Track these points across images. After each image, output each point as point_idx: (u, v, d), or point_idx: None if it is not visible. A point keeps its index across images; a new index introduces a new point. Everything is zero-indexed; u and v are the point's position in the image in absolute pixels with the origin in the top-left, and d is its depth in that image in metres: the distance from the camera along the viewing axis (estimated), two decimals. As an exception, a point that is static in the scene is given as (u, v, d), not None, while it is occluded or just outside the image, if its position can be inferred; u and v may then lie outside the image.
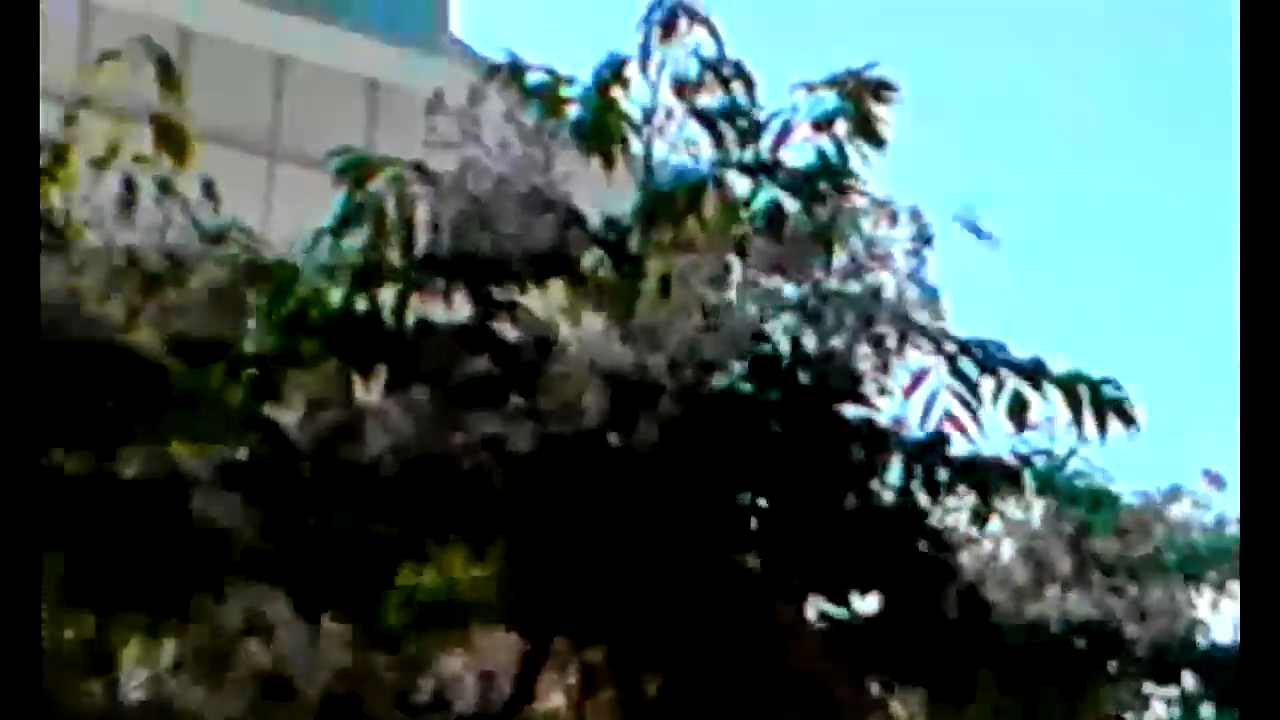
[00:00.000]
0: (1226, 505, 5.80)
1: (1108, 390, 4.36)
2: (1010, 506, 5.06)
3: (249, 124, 17.37)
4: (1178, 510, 5.87)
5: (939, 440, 4.39)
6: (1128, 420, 4.39)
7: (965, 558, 4.95)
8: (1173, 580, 5.63)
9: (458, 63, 13.24)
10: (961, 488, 4.51)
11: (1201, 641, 5.85)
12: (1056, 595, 5.26)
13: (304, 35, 19.30)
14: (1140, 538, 5.62)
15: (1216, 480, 5.77)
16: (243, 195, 4.78)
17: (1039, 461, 4.93)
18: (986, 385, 4.43)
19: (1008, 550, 5.31)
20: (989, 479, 4.45)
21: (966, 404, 4.33)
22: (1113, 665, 5.56)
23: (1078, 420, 4.35)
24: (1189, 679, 5.76)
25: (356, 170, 4.49)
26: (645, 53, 4.51)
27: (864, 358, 4.43)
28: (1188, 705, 5.84)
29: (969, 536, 4.92)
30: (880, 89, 4.57)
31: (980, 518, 4.69)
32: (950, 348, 4.46)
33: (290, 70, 19.12)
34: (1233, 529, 5.66)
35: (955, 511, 4.67)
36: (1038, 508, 5.32)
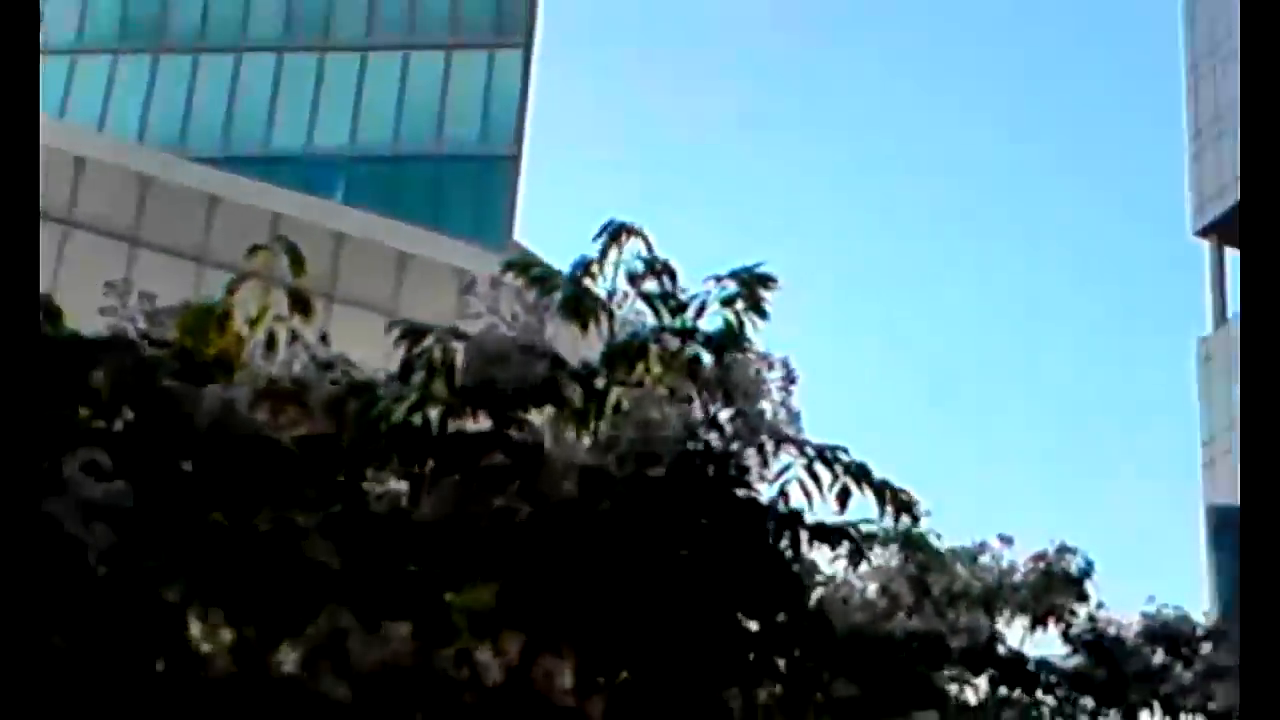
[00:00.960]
0: (1014, 557, 8.56)
1: (900, 491, 6.65)
2: (875, 555, 7.46)
3: (372, 297, 25.43)
4: (983, 559, 8.58)
5: (797, 512, 6.64)
6: (909, 510, 6.71)
7: (841, 592, 7.26)
8: (976, 607, 8.19)
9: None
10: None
11: (1001, 648, 8.24)
12: (902, 617, 7.68)
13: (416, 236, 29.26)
14: (955, 577, 8.17)
15: (1008, 540, 8.54)
16: (357, 344, 7.11)
17: (891, 526, 7.34)
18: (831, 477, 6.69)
19: (871, 587, 7.80)
20: (832, 538, 6.68)
21: (810, 489, 6.59)
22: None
23: (880, 506, 6.62)
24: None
25: (413, 333, 6.85)
26: (603, 254, 6.91)
27: (750, 457, 6.71)
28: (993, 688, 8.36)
29: (844, 579, 7.21)
30: (766, 280, 6.95)
31: (855, 559, 7.00)
32: (809, 451, 6.72)
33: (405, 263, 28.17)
34: (1017, 576, 8.39)
35: (838, 559, 6.98)
36: (894, 557, 7.86)
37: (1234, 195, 43.77)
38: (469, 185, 39.85)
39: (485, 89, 41.85)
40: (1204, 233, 51.78)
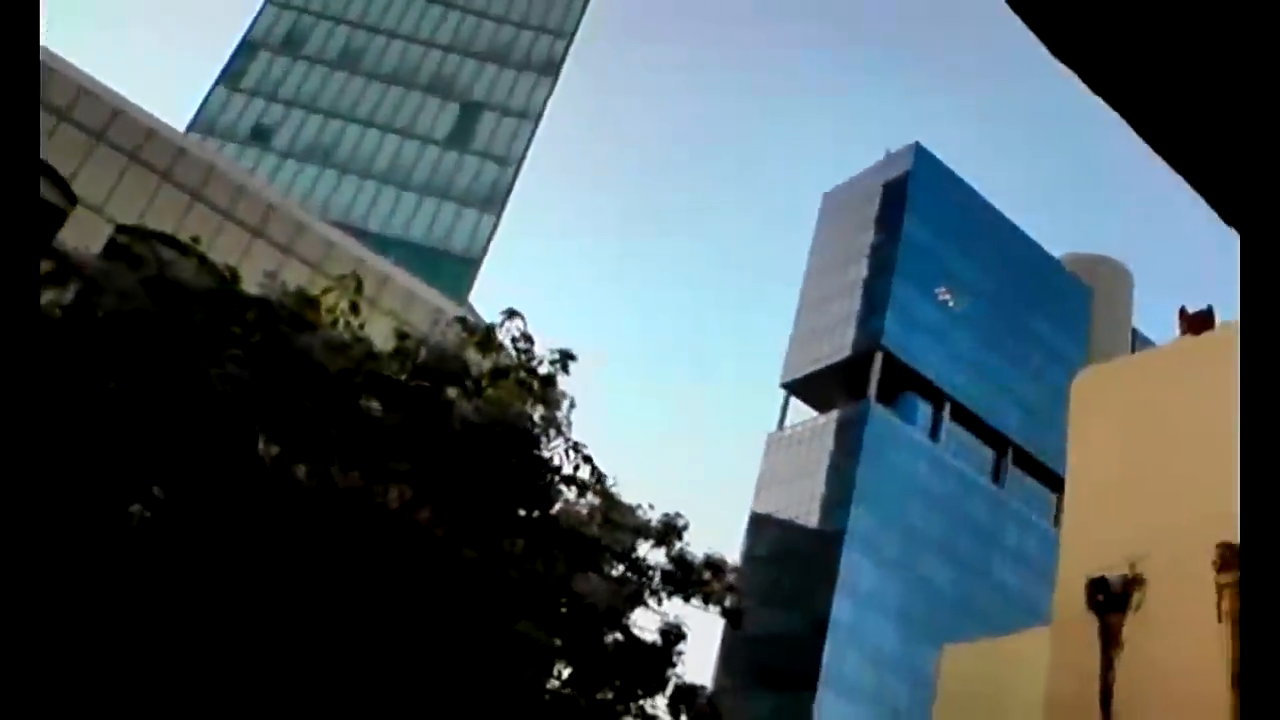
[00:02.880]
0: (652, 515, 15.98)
1: (600, 471, 14.34)
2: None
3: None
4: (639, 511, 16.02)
5: (557, 467, 14.28)
6: (601, 476, 14.41)
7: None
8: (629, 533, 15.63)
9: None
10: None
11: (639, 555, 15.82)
12: (596, 529, 15.08)
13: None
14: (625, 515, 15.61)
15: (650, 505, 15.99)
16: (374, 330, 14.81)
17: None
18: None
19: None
20: (570, 481, 14.29)
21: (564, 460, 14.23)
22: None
23: (592, 472, 14.23)
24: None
25: (403, 336, 14.50)
26: (501, 324, 14.64)
27: (547, 438, 14.34)
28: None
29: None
30: (570, 356, 14.64)
31: (582, 491, 14.63)
32: (568, 440, 14.34)
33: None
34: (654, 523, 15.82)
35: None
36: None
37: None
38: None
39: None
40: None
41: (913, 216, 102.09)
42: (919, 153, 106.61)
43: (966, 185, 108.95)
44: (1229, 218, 2.55)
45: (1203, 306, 14.81)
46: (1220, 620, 10.07)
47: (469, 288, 65.55)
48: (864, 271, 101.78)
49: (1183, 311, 14.90)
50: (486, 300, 65.55)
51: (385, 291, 40.92)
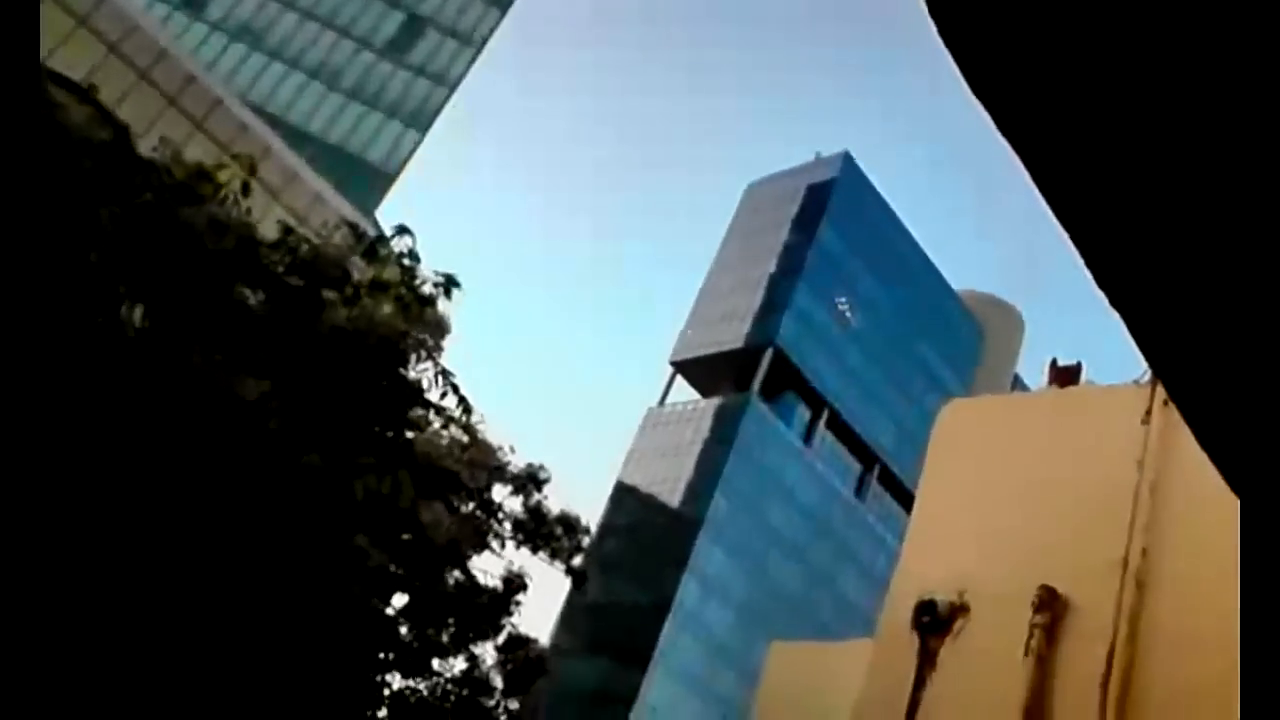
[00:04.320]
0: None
1: (465, 401, 14.17)
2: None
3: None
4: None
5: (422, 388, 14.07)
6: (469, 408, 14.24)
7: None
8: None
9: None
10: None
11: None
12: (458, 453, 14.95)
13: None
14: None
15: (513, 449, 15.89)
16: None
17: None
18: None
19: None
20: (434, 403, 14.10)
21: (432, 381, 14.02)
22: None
23: (459, 400, 14.06)
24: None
25: (288, 230, 14.09)
26: (393, 236, 14.32)
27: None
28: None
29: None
30: (454, 281, 14.37)
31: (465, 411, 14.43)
32: (440, 363, 14.12)
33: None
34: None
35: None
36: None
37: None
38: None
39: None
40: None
41: (829, 224, 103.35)
42: (847, 161, 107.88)
43: (886, 203, 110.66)
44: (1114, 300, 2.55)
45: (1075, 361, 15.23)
46: (1026, 655, 10.52)
47: (378, 202, 64.36)
48: (771, 268, 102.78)
49: (1053, 363, 15.33)
50: (394, 218, 65.76)
51: (291, 187, 39.78)
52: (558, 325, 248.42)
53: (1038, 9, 2.07)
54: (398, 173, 69.72)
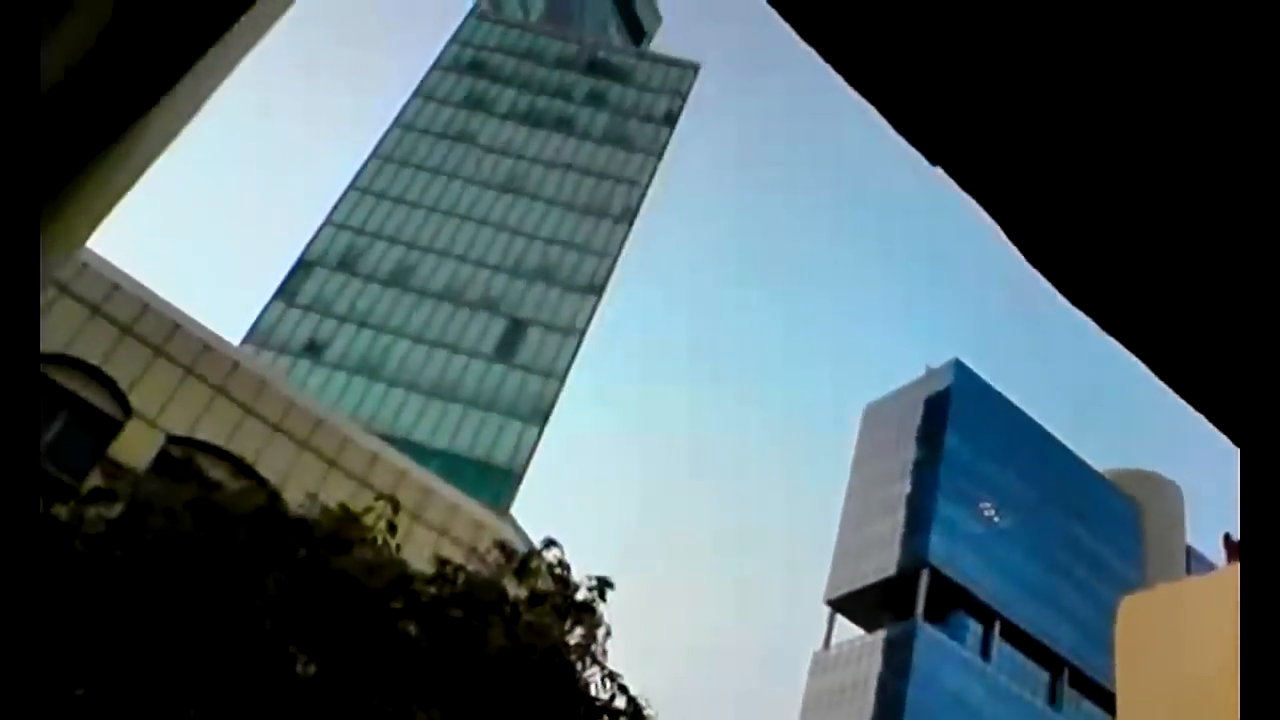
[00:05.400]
0: None
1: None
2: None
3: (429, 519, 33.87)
4: None
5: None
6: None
7: None
8: None
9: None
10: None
11: None
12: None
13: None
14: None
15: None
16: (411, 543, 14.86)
17: None
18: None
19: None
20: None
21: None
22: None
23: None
24: None
25: (443, 562, 14.55)
26: (540, 550, 14.67)
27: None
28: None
29: None
30: (608, 583, 14.57)
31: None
32: (604, 667, 14.11)
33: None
34: None
35: None
36: None
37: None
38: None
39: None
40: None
41: (954, 432, 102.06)
42: (959, 368, 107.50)
43: (1007, 400, 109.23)
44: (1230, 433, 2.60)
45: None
46: None
47: (511, 500, 65.89)
48: (907, 487, 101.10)
49: (1227, 538, 14.73)
50: (528, 512, 66.66)
51: (429, 503, 41.14)
52: (703, 586, 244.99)
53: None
54: (524, 470, 71.57)
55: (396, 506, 15.20)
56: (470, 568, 14.23)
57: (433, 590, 13.96)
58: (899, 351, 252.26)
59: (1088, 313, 2.56)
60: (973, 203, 2.46)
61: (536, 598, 14.22)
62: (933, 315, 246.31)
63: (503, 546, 15.07)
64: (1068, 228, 2.49)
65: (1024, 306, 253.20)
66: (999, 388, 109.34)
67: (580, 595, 14.35)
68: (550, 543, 14.34)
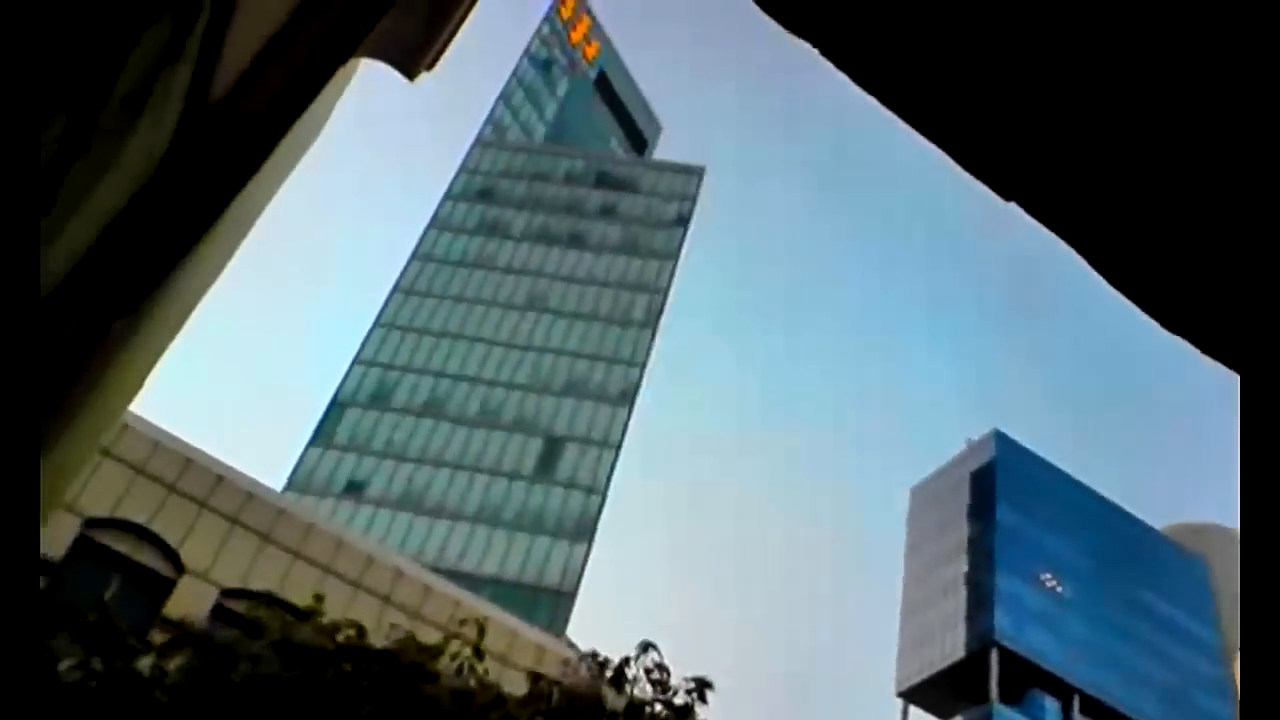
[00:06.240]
0: None
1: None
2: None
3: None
4: None
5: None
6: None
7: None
8: None
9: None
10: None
11: None
12: None
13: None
14: None
15: None
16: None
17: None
18: None
19: None
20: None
21: None
22: None
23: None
24: None
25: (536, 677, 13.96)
26: (637, 656, 14.06)
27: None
28: None
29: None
30: (707, 684, 13.93)
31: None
32: None
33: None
34: None
35: None
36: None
37: None
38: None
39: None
40: None
41: (1005, 504, 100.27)
42: (1000, 439, 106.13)
43: (1053, 466, 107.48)
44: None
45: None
46: None
47: (566, 621, 64.78)
48: (964, 566, 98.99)
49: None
50: (583, 632, 65.32)
51: (487, 631, 40.67)
52: (768, 686, 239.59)
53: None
54: (576, 589, 70.57)
55: (483, 631, 14.71)
56: (565, 682, 13.67)
57: (528, 710, 13.42)
58: (937, 424, 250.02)
59: (1184, 335, 2.53)
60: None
61: (635, 708, 13.62)
62: (963, 385, 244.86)
63: (594, 656, 14.49)
64: (1155, 251, 2.48)
65: (1049, 366, 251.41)
66: (1042, 453, 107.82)
67: (678, 699, 13.75)
68: (648, 646, 13.77)
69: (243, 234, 4.58)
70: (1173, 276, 2.51)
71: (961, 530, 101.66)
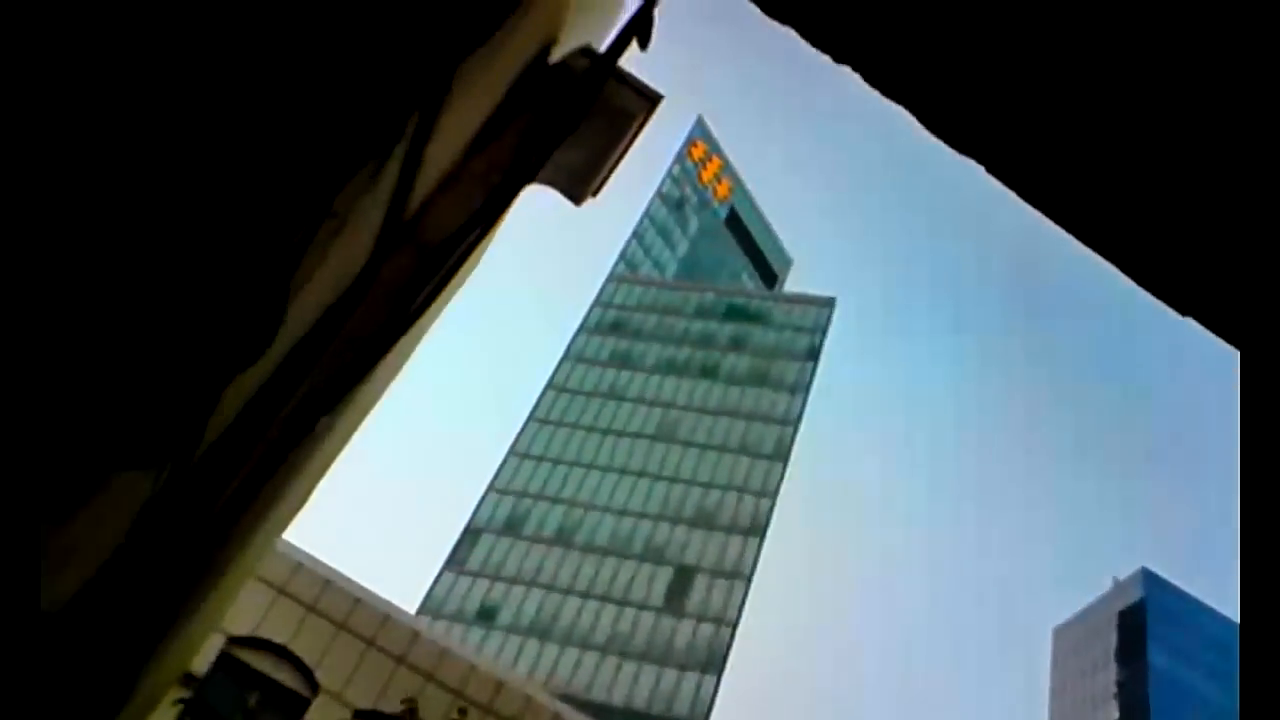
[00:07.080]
0: None
1: None
2: None
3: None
4: None
5: None
6: None
7: None
8: None
9: None
10: None
11: None
12: None
13: None
14: None
15: None
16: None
17: None
18: None
19: None
20: None
21: None
22: None
23: None
24: None
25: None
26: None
27: None
28: None
29: None
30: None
31: None
32: None
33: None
34: None
35: None
36: None
37: None
38: None
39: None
40: None
41: (1158, 649, 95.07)
42: (1149, 578, 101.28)
43: (1208, 607, 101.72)
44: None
45: None
46: None
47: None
48: (1115, 713, 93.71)
49: None
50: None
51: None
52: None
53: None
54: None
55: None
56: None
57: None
58: (1081, 562, 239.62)
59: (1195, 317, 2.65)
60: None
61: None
62: (1100, 520, 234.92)
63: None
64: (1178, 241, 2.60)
65: (1202, 505, 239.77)
66: (1191, 590, 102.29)
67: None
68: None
69: (411, 352, 5.04)
70: (1187, 261, 2.63)
71: (1109, 674, 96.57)
